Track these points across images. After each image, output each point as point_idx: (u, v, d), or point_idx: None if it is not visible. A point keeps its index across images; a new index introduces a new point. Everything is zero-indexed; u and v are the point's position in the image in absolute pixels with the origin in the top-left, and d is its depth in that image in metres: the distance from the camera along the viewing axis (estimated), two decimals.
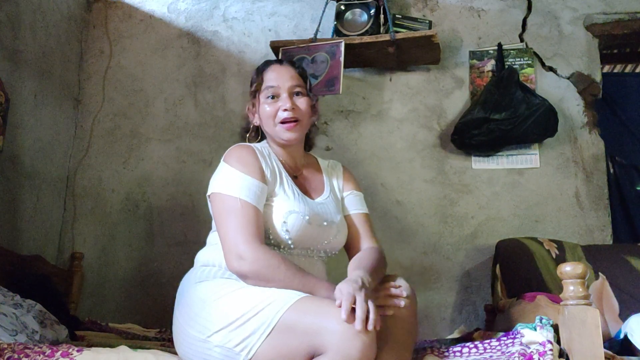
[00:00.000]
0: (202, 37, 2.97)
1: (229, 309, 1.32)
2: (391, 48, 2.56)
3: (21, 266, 2.27)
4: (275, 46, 2.68)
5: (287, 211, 1.52)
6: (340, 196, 1.73)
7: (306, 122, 1.67)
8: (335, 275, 1.69)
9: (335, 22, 2.64)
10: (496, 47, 2.68)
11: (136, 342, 1.96)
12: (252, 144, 1.64)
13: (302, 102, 1.65)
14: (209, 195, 1.56)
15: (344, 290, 1.24)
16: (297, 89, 1.66)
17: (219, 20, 2.98)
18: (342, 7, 2.64)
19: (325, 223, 1.57)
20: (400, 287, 1.42)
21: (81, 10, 3.00)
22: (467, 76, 2.72)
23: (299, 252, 1.55)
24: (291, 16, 2.92)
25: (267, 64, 1.72)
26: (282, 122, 1.62)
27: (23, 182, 2.49)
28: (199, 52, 2.95)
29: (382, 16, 2.64)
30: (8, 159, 2.39)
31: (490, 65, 2.69)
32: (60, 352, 1.39)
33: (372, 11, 2.60)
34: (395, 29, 2.56)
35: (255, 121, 1.71)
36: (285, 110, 1.61)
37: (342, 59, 2.51)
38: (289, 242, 1.51)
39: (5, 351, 1.37)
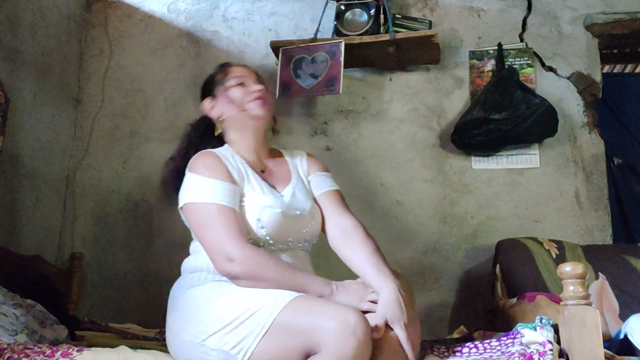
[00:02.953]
0: (202, 37, 2.97)
1: (224, 312, 1.32)
2: (391, 48, 2.56)
3: (21, 266, 2.27)
4: (275, 46, 2.68)
5: (260, 208, 1.52)
6: (307, 181, 1.73)
7: (271, 111, 1.74)
8: (326, 269, 1.69)
9: (335, 22, 2.64)
10: (496, 47, 2.68)
11: (136, 342, 1.96)
12: (213, 150, 1.65)
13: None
14: (181, 208, 1.56)
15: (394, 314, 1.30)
16: (260, 82, 1.74)
17: (219, 20, 2.98)
18: (342, 7, 2.64)
19: (297, 212, 1.57)
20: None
21: (81, 10, 3.00)
22: (467, 76, 2.72)
23: (280, 247, 1.54)
24: (291, 16, 2.92)
25: (228, 63, 1.80)
26: (254, 100, 1.68)
27: (23, 182, 2.49)
28: (199, 52, 2.95)
29: (382, 16, 2.64)
30: (8, 159, 2.39)
31: (490, 65, 2.69)
32: (60, 352, 1.39)
33: (372, 11, 2.60)
34: (395, 28, 2.56)
35: (217, 113, 1.72)
36: (257, 89, 1.69)
37: (342, 58, 2.51)
38: (267, 237, 1.51)
39: (5, 351, 1.37)
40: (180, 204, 1.56)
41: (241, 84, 1.70)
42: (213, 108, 1.74)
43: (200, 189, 1.51)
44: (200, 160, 1.59)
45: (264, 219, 1.51)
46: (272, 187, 1.63)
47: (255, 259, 1.40)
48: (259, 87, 1.69)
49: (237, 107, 1.68)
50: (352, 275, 1.52)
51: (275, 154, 1.79)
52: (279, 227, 1.52)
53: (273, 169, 1.71)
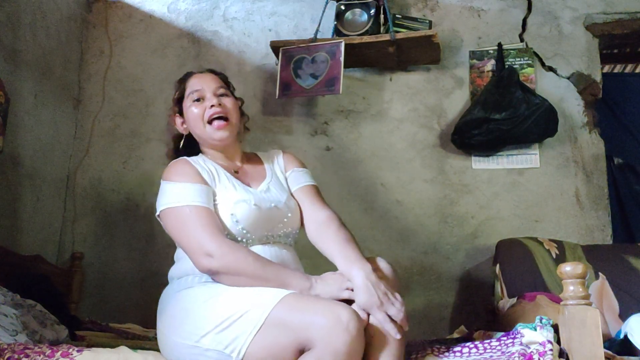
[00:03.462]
0: (202, 37, 2.97)
1: (215, 312, 1.32)
2: (391, 48, 2.56)
3: (21, 266, 2.27)
4: (275, 46, 2.68)
5: (232, 203, 1.53)
6: (284, 177, 1.74)
7: (235, 121, 1.71)
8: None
9: (335, 22, 2.64)
10: (496, 47, 2.68)
11: (136, 342, 1.97)
12: (185, 157, 1.66)
13: (228, 101, 1.70)
14: (158, 215, 1.57)
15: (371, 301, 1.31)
16: (221, 91, 1.71)
17: (219, 20, 2.98)
18: (342, 7, 2.64)
19: (272, 204, 1.59)
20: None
21: (81, 10, 3.00)
22: (467, 76, 2.72)
23: (259, 241, 1.55)
24: (291, 16, 2.92)
25: (188, 74, 1.78)
26: (211, 122, 1.65)
27: (23, 182, 2.49)
28: (199, 52, 2.95)
29: (382, 16, 2.64)
30: (8, 159, 2.39)
31: (490, 65, 2.69)
32: (60, 352, 1.39)
33: (372, 11, 2.60)
34: (395, 28, 2.56)
35: (185, 130, 1.74)
36: (213, 106, 1.65)
37: (342, 58, 2.51)
38: (244, 231, 1.52)
39: (6, 351, 1.37)
40: (157, 211, 1.57)
41: (199, 99, 1.68)
42: (182, 124, 1.75)
43: (173, 195, 1.53)
44: (171, 167, 1.61)
45: (238, 213, 1.52)
46: (247, 185, 1.64)
47: (233, 253, 1.41)
48: (213, 101, 1.66)
49: (197, 128, 1.69)
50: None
51: (251, 157, 1.80)
52: (253, 220, 1.53)
53: (247, 170, 1.72)
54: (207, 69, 1.82)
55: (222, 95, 1.71)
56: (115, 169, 2.86)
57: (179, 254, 1.60)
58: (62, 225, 2.79)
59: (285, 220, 1.60)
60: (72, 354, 1.38)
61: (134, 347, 1.47)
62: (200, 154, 1.72)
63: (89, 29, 3.04)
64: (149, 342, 1.98)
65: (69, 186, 2.84)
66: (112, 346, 1.48)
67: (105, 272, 2.74)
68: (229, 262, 1.39)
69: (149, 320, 2.47)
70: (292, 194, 1.70)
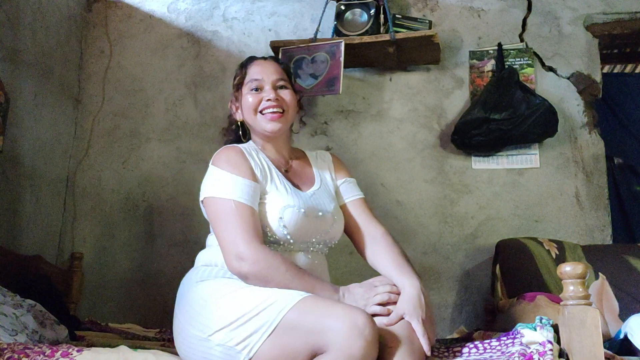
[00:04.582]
0: (202, 37, 2.97)
1: (231, 308, 1.32)
2: (391, 48, 2.56)
3: (21, 266, 2.27)
4: (275, 46, 2.68)
5: (282, 206, 1.52)
6: (334, 185, 1.73)
7: (291, 115, 1.69)
8: (336, 275, 1.70)
9: (335, 22, 2.64)
10: (496, 47, 2.68)
11: (136, 342, 1.96)
12: (238, 145, 1.65)
13: (286, 94, 1.67)
14: (202, 200, 1.56)
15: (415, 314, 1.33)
16: (281, 83, 1.68)
17: (219, 20, 2.98)
18: (342, 7, 2.64)
19: (320, 213, 1.58)
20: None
21: (81, 10, 3.00)
22: (467, 76, 2.72)
23: (299, 247, 1.55)
24: (291, 16, 2.92)
25: (252, 59, 1.74)
26: (264, 113, 1.63)
27: (23, 182, 2.49)
28: (199, 52, 2.95)
29: (382, 16, 2.64)
30: (8, 159, 2.39)
31: (490, 65, 2.69)
32: (60, 352, 1.38)
33: (372, 11, 2.60)
34: (395, 29, 2.56)
35: (239, 116, 1.72)
36: (269, 100, 1.63)
37: (342, 58, 2.51)
38: (288, 237, 1.51)
39: (5, 351, 1.37)
40: (201, 197, 1.56)
41: (257, 89, 1.65)
42: (237, 110, 1.73)
43: (221, 184, 1.51)
44: (224, 154, 1.58)
45: (286, 218, 1.51)
46: (296, 187, 1.63)
47: (266, 261, 1.40)
48: (270, 95, 1.63)
49: (251, 118, 1.67)
50: (348, 278, 1.55)
51: (299, 154, 1.78)
52: (300, 226, 1.52)
53: (297, 170, 1.71)
54: (270, 55, 1.78)
55: (281, 87, 1.67)
56: (115, 169, 2.86)
57: (212, 239, 1.58)
58: (62, 225, 2.79)
59: (328, 230, 1.60)
60: (72, 354, 1.38)
61: (134, 347, 1.47)
62: (250, 141, 1.71)
63: (89, 29, 3.04)
64: (149, 342, 1.98)
65: (69, 186, 2.84)
66: (112, 346, 1.48)
67: (105, 272, 2.74)
68: (260, 269, 1.38)
69: (149, 320, 2.49)
70: (341, 205, 1.70)
